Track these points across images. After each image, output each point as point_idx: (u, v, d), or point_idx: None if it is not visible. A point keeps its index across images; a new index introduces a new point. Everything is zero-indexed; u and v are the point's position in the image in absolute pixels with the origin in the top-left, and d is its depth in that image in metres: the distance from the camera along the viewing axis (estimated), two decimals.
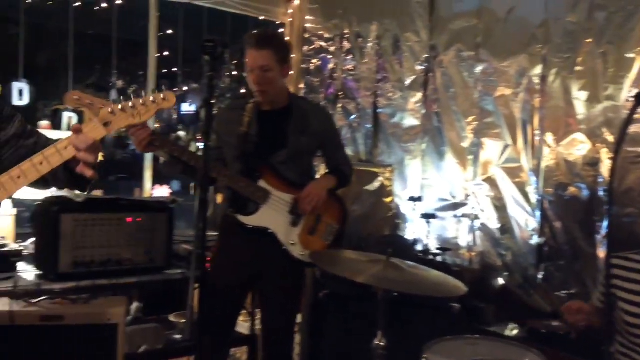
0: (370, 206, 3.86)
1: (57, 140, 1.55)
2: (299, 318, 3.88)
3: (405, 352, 2.45)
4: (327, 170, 2.93)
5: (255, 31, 2.68)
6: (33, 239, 2.95)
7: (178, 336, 3.33)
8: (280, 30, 4.81)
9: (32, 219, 2.94)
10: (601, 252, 3.17)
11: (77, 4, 3.95)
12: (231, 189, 2.65)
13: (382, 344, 2.38)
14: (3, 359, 2.40)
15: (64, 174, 1.50)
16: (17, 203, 3.34)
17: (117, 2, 4.00)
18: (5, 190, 1.41)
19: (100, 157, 4.25)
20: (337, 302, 3.15)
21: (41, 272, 2.77)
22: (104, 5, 4.09)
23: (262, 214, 2.63)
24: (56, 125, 4.13)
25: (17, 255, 2.87)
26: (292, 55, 3.09)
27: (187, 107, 8.46)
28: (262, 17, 4.69)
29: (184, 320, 3.43)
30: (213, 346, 2.60)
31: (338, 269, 2.41)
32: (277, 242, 2.65)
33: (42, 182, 1.53)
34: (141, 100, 1.49)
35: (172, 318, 3.58)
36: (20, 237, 3.25)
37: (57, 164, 1.43)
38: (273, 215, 2.64)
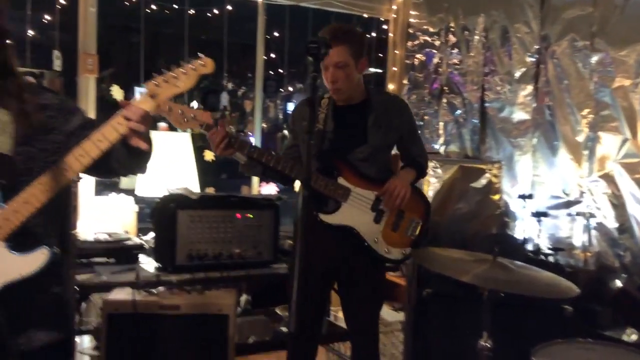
0: (477, 204, 3.75)
1: None
2: (401, 316, 3.89)
3: (513, 354, 2.37)
4: (403, 163, 2.81)
5: (328, 27, 2.54)
6: (153, 234, 3.15)
7: (284, 328, 3.44)
8: (384, 26, 4.81)
9: (152, 215, 3.14)
10: None
11: (191, 12, 4.17)
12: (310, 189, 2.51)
13: (487, 344, 2.32)
14: (126, 343, 2.60)
15: (123, 151, 1.59)
16: (138, 200, 3.59)
17: (228, 8, 4.17)
18: (72, 170, 1.52)
19: (211, 156, 4.43)
20: (441, 301, 3.10)
21: (160, 264, 2.95)
22: (216, 11, 4.29)
23: (344, 212, 2.57)
24: (173, 127, 4.39)
25: (139, 249, 3.09)
26: (395, 51, 3.00)
27: (292, 107, 8.69)
28: (366, 15, 4.70)
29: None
30: (300, 341, 2.62)
31: (443, 268, 2.38)
32: (360, 240, 2.59)
33: (106, 168, 1.64)
34: (182, 69, 1.55)
35: (278, 311, 3.71)
36: (141, 231, 3.50)
37: (114, 139, 1.51)
38: (355, 213, 2.58)
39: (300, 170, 2.46)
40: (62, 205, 1.67)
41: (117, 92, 3.80)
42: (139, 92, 4.55)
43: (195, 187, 3.62)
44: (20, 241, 1.50)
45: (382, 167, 2.67)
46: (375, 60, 4.95)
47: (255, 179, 4.49)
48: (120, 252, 3.04)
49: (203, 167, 3.94)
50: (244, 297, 3.55)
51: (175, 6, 4.16)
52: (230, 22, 4.28)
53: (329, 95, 2.63)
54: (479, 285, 2.25)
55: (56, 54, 3.75)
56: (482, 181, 3.80)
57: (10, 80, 1.57)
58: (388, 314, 4.08)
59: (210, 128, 2.31)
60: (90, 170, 1.57)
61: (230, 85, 5.62)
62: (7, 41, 1.58)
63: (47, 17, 4.04)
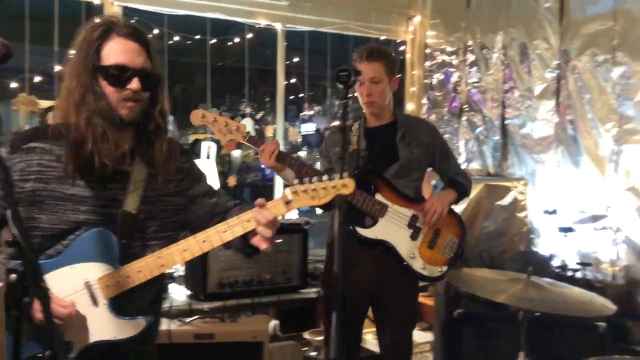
0: (503, 222, 3.74)
1: (234, 203, 1.69)
2: (430, 337, 3.86)
3: None
4: (444, 184, 2.89)
5: (366, 45, 2.73)
6: None
7: (314, 353, 3.43)
8: (402, 48, 4.85)
9: None
10: None
11: (213, 41, 4.24)
12: (348, 204, 2.62)
13: None
14: None
15: (239, 241, 1.59)
16: None
17: (248, 36, 4.24)
18: (190, 252, 1.53)
19: (234, 181, 4.48)
20: (472, 321, 3.09)
21: (191, 292, 2.98)
22: (237, 40, 4.36)
23: (381, 227, 2.63)
24: (196, 155, 4.45)
25: (169, 278, 3.12)
26: (412, 72, 3.08)
27: (307, 127, 8.75)
28: (383, 37, 4.74)
29: (319, 338, 3.53)
30: None
31: (478, 289, 2.38)
32: (396, 255, 2.65)
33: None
34: (322, 185, 1.56)
35: (307, 335, 3.70)
36: None
37: (239, 234, 1.55)
38: (392, 229, 2.64)
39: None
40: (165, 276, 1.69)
41: None
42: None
43: None
44: (122, 303, 1.52)
45: (415, 185, 2.76)
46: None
47: None
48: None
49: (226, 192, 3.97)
50: (272, 323, 3.55)
51: (198, 36, 4.23)
52: (250, 47, 4.35)
53: (358, 120, 2.76)
54: (515, 305, 2.24)
55: None
56: (508, 199, 3.79)
57: (160, 141, 1.58)
58: (416, 334, 4.05)
59: (252, 139, 2.44)
60: None
61: (248, 110, 5.68)
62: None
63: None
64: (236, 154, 7.49)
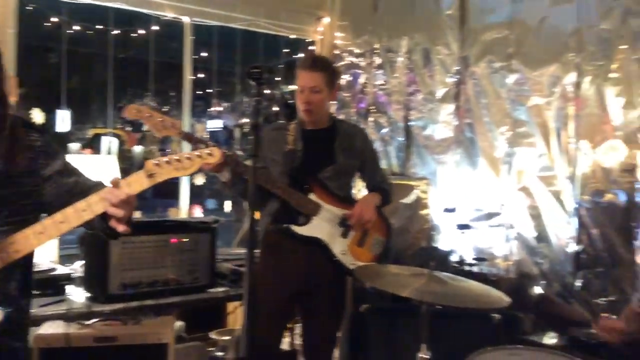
0: (407, 219, 3.89)
1: (95, 182, 1.60)
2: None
3: None
4: (368, 189, 3.02)
5: (309, 54, 2.82)
6: (81, 262, 3.02)
7: (220, 353, 3.39)
8: (311, 47, 4.89)
9: (80, 242, 3.02)
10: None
11: (115, 32, 4.07)
12: (279, 202, 2.72)
13: (426, 356, 2.40)
14: None
15: (99, 222, 1.51)
16: None
17: (153, 28, 4.10)
18: (47, 235, 1.44)
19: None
20: (378, 315, 3.17)
21: (91, 295, 2.84)
22: (141, 31, 4.21)
23: (314, 226, 2.72)
24: (96, 150, 4.26)
25: (66, 279, 2.96)
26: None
27: (214, 124, 8.61)
28: (293, 36, 4.76)
29: (225, 338, 3.50)
30: None
31: (382, 284, 2.44)
32: (328, 252, 2.75)
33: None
34: (187, 155, 1.52)
35: (213, 335, 3.65)
36: (64, 258, 3.34)
37: (100, 212, 1.46)
38: (325, 227, 2.74)
39: (276, 182, 2.64)
40: (27, 260, 1.58)
41: (37, 115, 3.64)
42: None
43: None
44: None
45: (346, 188, 2.88)
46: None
47: (184, 201, 4.42)
48: (46, 284, 2.88)
49: None
50: (177, 324, 3.47)
51: (99, 26, 4.04)
52: (156, 41, 4.22)
53: (296, 121, 2.83)
54: (418, 299, 2.32)
55: None
56: (412, 197, 3.94)
57: (2, 115, 1.47)
58: None
59: (185, 136, 2.43)
60: None
61: (152, 104, 5.50)
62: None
63: None
64: (138, 149, 7.25)
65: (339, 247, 2.77)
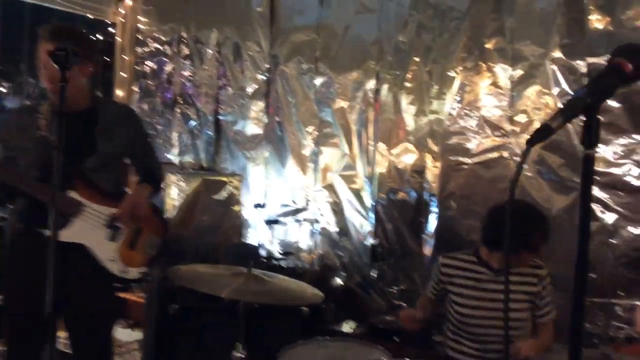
0: (219, 215, 3.85)
1: None
2: (139, 335, 3.74)
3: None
4: (140, 180, 2.66)
5: (50, 24, 2.35)
6: None
7: None
8: (111, 29, 4.57)
9: None
10: (427, 250, 3.53)
11: None
12: (29, 199, 2.31)
13: (242, 355, 2.41)
14: None
15: None
16: None
17: None
18: None
19: None
20: (189, 316, 3.09)
21: None
22: None
23: (75, 229, 2.35)
24: None
25: None
26: (123, 57, 2.87)
27: None
28: (91, 16, 4.40)
29: None
30: None
31: (199, 285, 2.38)
32: (91, 259, 2.40)
33: None
34: None
35: None
36: None
37: None
38: (87, 230, 2.38)
39: (24, 178, 2.26)
40: None
41: None
42: None
43: None
44: None
45: (117, 180, 2.52)
46: (102, 64, 4.66)
47: None
48: None
49: None
50: None
51: None
52: None
53: (50, 102, 2.38)
54: (238, 299, 2.31)
55: None
56: (224, 193, 3.91)
57: None
58: (122, 332, 3.89)
59: None
60: None
61: None
62: None
63: None
64: None
65: (107, 253, 2.42)
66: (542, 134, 0.99)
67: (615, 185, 2.86)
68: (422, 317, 2.60)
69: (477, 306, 2.45)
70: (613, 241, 2.82)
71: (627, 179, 2.83)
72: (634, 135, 2.81)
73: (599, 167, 2.83)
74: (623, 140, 2.81)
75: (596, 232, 2.87)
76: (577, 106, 1.02)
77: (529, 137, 1.02)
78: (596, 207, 2.88)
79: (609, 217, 2.88)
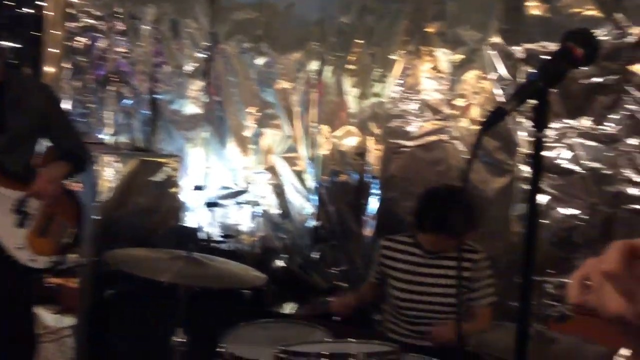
0: (156, 197, 3.73)
1: None
2: (72, 320, 3.61)
3: (207, 345, 2.46)
4: (58, 158, 2.51)
5: None
6: None
7: None
8: (40, 2, 4.31)
9: None
10: (367, 231, 3.57)
11: None
12: None
13: (182, 340, 2.36)
14: None
15: None
16: None
17: None
18: None
19: None
20: (126, 301, 3.00)
21: None
22: None
23: None
24: None
25: None
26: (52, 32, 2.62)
27: None
28: None
29: None
30: None
31: (137, 269, 2.31)
32: None
33: None
34: None
35: None
36: None
37: None
38: None
39: None
40: None
41: None
42: None
43: None
44: None
45: (26, 161, 2.38)
46: (30, 39, 4.40)
47: None
48: None
49: None
50: None
51: None
52: None
53: None
54: (179, 283, 2.27)
55: None
56: (161, 175, 3.79)
57: None
58: (52, 318, 3.75)
59: None
60: None
61: None
62: None
63: None
64: None
65: (14, 241, 2.29)
66: (496, 117, 1.00)
67: (547, 167, 2.96)
68: (358, 304, 2.63)
69: (410, 289, 2.49)
70: (545, 221, 2.92)
71: (558, 162, 2.93)
72: (566, 120, 2.91)
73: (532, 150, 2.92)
74: (556, 125, 2.91)
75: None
76: (529, 89, 1.03)
77: (482, 120, 1.02)
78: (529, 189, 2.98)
79: (541, 199, 2.99)
